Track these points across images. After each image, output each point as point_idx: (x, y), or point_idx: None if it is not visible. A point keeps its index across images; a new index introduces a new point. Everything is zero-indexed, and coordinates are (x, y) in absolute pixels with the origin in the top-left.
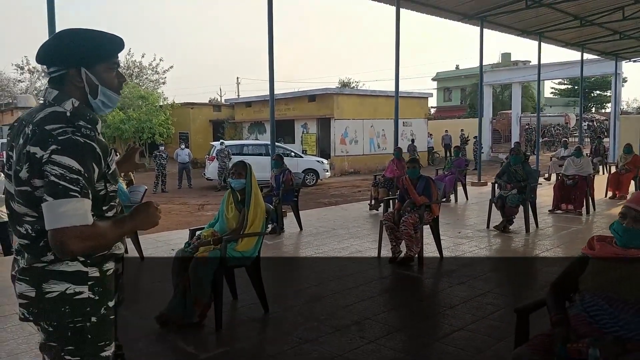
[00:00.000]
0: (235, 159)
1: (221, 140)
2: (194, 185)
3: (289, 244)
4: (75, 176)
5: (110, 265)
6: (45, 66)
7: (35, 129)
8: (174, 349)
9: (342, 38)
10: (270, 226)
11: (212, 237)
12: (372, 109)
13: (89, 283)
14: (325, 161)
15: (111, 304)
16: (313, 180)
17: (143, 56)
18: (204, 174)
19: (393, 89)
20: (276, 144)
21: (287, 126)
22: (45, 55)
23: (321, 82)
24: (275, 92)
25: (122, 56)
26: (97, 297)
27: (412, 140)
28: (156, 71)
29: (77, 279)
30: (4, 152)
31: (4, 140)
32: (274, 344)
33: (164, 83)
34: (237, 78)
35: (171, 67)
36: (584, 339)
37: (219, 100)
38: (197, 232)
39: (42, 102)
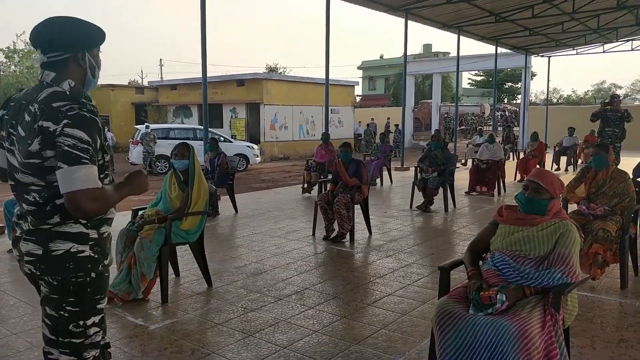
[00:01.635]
0: (161, 143)
1: (146, 124)
2: (117, 170)
3: (226, 225)
4: (85, 146)
5: (105, 229)
6: (40, 50)
7: (42, 107)
8: (123, 323)
9: (267, 23)
10: None
11: (156, 215)
12: (302, 96)
13: (90, 243)
14: (255, 146)
15: (107, 262)
16: (243, 165)
17: None
18: (128, 158)
19: (320, 75)
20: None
21: (215, 111)
22: (49, 40)
23: (248, 66)
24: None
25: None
26: (96, 256)
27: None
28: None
29: (80, 239)
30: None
31: None
32: (220, 313)
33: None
34: (161, 60)
35: None
36: (493, 287)
37: (139, 82)
38: (140, 212)
39: (39, 81)
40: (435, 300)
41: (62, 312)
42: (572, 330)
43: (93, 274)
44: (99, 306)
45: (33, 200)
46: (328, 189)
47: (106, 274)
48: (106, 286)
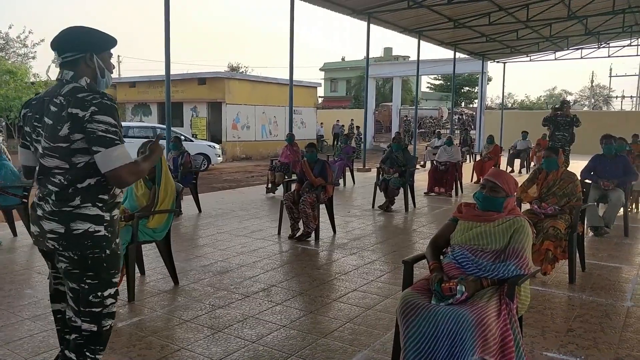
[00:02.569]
0: None
1: None
2: None
3: (190, 225)
4: (114, 129)
5: (115, 212)
6: (57, 52)
7: (68, 97)
8: None
9: (229, 21)
10: None
11: (122, 214)
12: (264, 96)
13: (104, 224)
14: (217, 146)
15: (118, 241)
16: (205, 165)
17: (10, 27)
18: None
19: (282, 76)
20: (162, 126)
21: (175, 109)
22: (63, 42)
23: (210, 65)
24: (161, 73)
25: None
26: (109, 235)
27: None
28: (25, 44)
29: (97, 221)
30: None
31: None
32: (188, 311)
33: (33, 58)
34: (119, 57)
35: (42, 40)
36: (454, 279)
37: None
38: None
39: (59, 80)
40: (398, 295)
41: (83, 285)
42: (525, 321)
43: (108, 251)
44: (114, 280)
45: (58, 182)
46: (294, 188)
47: (118, 252)
48: (119, 262)
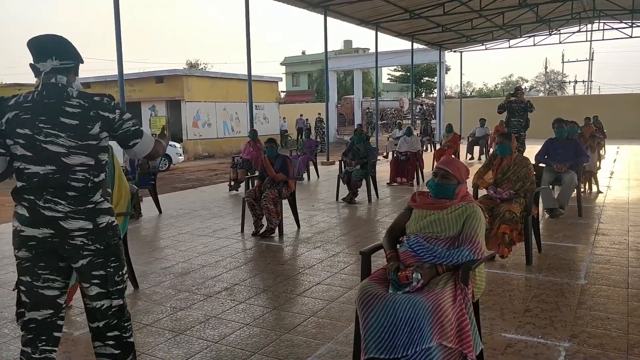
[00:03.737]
0: None
1: None
2: None
3: (150, 227)
4: (135, 120)
5: None
6: (55, 56)
7: (87, 100)
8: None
9: (185, 18)
10: None
11: None
12: (224, 92)
13: (114, 215)
14: (177, 145)
15: None
16: (166, 164)
17: None
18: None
19: (242, 71)
20: None
21: (133, 109)
22: (63, 49)
23: (167, 63)
24: (116, 72)
25: None
26: (118, 224)
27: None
28: None
29: (111, 212)
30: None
31: None
32: (148, 314)
33: None
34: None
35: None
36: (410, 267)
37: None
38: None
39: (52, 84)
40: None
41: (109, 269)
42: (484, 304)
43: (121, 237)
44: (124, 258)
45: (82, 177)
46: (255, 185)
47: None
48: None
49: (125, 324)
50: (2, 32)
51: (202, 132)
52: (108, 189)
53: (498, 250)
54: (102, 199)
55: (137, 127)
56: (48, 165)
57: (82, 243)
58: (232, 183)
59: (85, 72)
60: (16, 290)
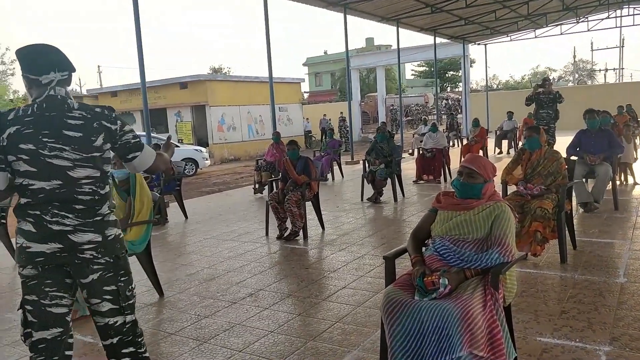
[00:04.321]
0: None
1: None
2: None
3: (176, 233)
4: (135, 133)
5: None
6: (57, 69)
7: (89, 111)
8: None
9: (208, 24)
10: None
11: None
12: (247, 95)
13: (120, 227)
14: (203, 149)
15: None
16: (193, 169)
17: None
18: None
19: (265, 74)
20: (157, 135)
21: (158, 115)
22: (63, 60)
23: (192, 68)
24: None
25: None
26: (123, 236)
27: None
28: (2, 61)
29: (117, 225)
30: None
31: None
32: (173, 323)
33: (12, 74)
34: (99, 67)
35: None
36: (436, 272)
37: (78, 91)
38: None
39: (51, 96)
40: None
41: (120, 284)
42: (517, 306)
43: (127, 249)
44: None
45: (89, 190)
46: (278, 187)
47: None
48: None
49: (139, 339)
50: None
51: (227, 135)
52: (112, 201)
53: (530, 249)
54: (108, 211)
55: (138, 140)
56: (54, 180)
57: (91, 256)
58: (257, 186)
59: (114, 81)
60: (21, 310)
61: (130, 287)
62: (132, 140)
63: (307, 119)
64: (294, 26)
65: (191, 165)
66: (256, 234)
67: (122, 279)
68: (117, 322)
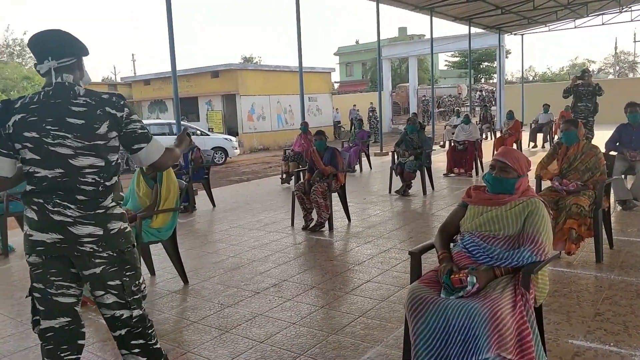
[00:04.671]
0: None
1: None
2: None
3: (203, 221)
4: (144, 124)
5: None
6: (51, 57)
7: (94, 98)
8: (97, 326)
9: (240, 12)
10: (182, 206)
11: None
12: (278, 85)
13: (127, 221)
14: (233, 139)
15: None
16: (222, 158)
17: (25, 33)
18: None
19: (296, 64)
20: (182, 122)
21: (190, 104)
22: (59, 47)
23: (222, 58)
24: (177, 68)
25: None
26: (130, 230)
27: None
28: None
29: (123, 218)
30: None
31: None
32: (196, 311)
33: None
34: (133, 55)
35: None
36: (464, 270)
37: (113, 79)
38: None
39: (59, 83)
40: None
41: (125, 278)
42: (549, 306)
43: (135, 243)
44: (140, 266)
45: (92, 181)
46: (305, 178)
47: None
48: None
49: (149, 331)
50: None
51: (257, 125)
52: (121, 193)
53: (564, 247)
54: (113, 203)
55: (145, 131)
56: (57, 169)
57: (91, 250)
58: (284, 176)
59: (147, 69)
60: (30, 297)
61: (136, 282)
62: (139, 131)
63: (337, 109)
64: (326, 15)
65: (221, 154)
66: (282, 224)
67: (128, 273)
68: (123, 315)
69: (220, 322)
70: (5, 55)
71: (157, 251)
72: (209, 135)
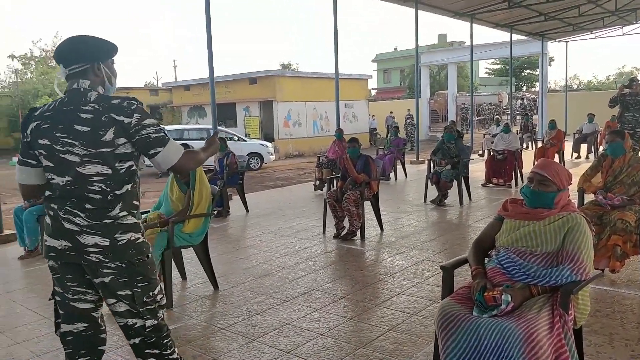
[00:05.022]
0: None
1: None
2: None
3: (236, 226)
4: (160, 127)
5: (141, 218)
6: (63, 64)
7: (103, 104)
8: None
9: (280, 20)
10: (215, 211)
11: (158, 219)
12: (314, 91)
13: (141, 231)
14: (269, 144)
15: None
16: (258, 164)
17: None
18: (144, 160)
19: (333, 70)
20: (219, 128)
21: (228, 110)
22: (69, 54)
23: (260, 64)
24: (215, 74)
25: (48, 39)
26: (146, 240)
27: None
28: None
29: (135, 228)
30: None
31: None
32: (224, 317)
33: None
34: (174, 61)
35: None
36: (498, 287)
37: (155, 84)
38: (143, 216)
39: (74, 89)
40: None
41: (136, 289)
42: (590, 327)
43: (149, 255)
44: (156, 277)
45: (99, 189)
46: (338, 185)
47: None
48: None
49: (165, 341)
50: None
51: (293, 131)
52: (135, 202)
53: (608, 264)
54: (124, 213)
55: (161, 134)
56: (67, 176)
57: (98, 260)
58: (317, 183)
59: (188, 75)
60: (53, 300)
61: (150, 293)
62: (154, 135)
63: (373, 116)
64: (365, 22)
65: (257, 159)
66: (313, 232)
67: (140, 284)
68: (136, 323)
69: (247, 329)
70: (54, 60)
71: (190, 255)
72: (245, 141)
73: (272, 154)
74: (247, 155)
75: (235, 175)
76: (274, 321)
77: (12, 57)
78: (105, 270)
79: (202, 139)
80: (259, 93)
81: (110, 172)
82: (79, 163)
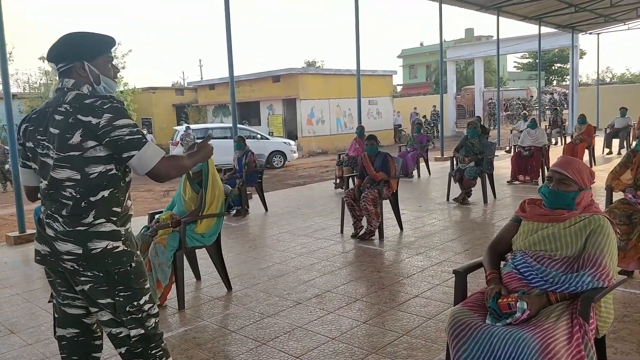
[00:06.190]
0: None
1: (186, 125)
2: None
3: (254, 225)
4: (136, 129)
5: (129, 225)
6: (53, 63)
7: (74, 104)
8: None
9: (305, 17)
10: (234, 210)
11: (170, 219)
12: (338, 88)
13: (122, 239)
14: (292, 142)
15: (138, 252)
16: (281, 162)
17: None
18: None
19: (360, 66)
20: (242, 126)
21: (252, 108)
22: (55, 53)
23: (285, 62)
24: (238, 73)
25: None
26: (129, 249)
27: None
28: (115, 55)
29: (114, 236)
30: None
31: None
32: (236, 319)
33: (123, 68)
34: (200, 60)
35: (130, 51)
36: (514, 293)
37: (182, 83)
38: (156, 216)
39: (59, 89)
40: None
41: (117, 298)
42: (617, 333)
43: (133, 264)
44: (145, 286)
45: (69, 195)
46: (356, 184)
47: (140, 261)
48: (144, 269)
49: (154, 352)
50: (140, 42)
51: (316, 129)
52: (115, 209)
53: (638, 266)
54: (100, 220)
55: (136, 137)
56: (45, 180)
57: (72, 268)
58: (338, 181)
59: (214, 74)
60: (51, 302)
61: (135, 302)
62: (127, 137)
63: (398, 112)
64: (390, 17)
65: (280, 157)
66: (331, 231)
67: (122, 294)
68: (120, 332)
69: (258, 333)
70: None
71: (205, 255)
72: (268, 139)
73: (295, 152)
74: (270, 154)
75: (254, 174)
76: (285, 324)
77: (43, 59)
78: (82, 279)
79: (225, 137)
80: (283, 91)
81: (79, 177)
82: (52, 167)
